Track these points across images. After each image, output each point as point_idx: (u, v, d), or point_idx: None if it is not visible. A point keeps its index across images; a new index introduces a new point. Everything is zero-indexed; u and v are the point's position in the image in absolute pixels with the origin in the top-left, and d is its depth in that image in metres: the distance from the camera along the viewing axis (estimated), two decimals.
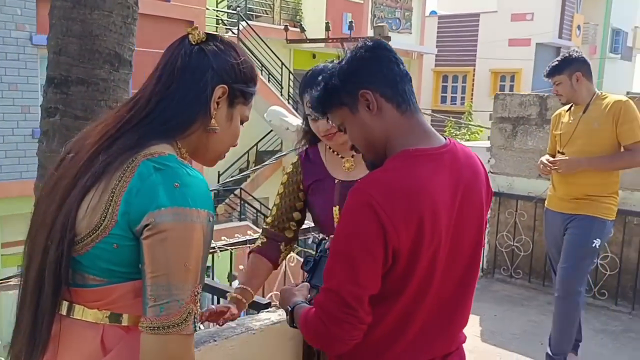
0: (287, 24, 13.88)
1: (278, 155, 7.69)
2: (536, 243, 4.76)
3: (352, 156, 1.92)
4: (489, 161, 5.07)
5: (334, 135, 1.85)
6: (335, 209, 1.89)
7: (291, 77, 14.11)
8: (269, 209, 14.24)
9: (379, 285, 1.25)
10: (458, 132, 18.26)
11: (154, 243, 0.99)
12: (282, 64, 13.61)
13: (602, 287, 4.37)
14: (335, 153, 1.96)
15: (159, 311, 0.98)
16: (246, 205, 13.68)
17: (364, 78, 1.34)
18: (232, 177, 14.33)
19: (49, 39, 2.02)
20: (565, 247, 3.21)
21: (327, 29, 7.18)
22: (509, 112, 4.93)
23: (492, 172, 5.05)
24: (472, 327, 3.99)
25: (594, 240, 3.13)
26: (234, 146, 1.29)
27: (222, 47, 1.21)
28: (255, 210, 13.83)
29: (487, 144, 5.25)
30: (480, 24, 23.24)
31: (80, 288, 1.07)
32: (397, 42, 17.31)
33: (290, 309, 1.46)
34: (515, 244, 4.90)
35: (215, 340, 1.82)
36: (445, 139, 1.39)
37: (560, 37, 22.89)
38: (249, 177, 13.50)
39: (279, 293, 1.95)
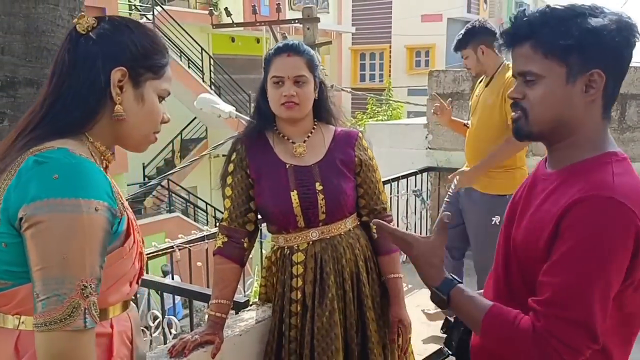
0: (204, 8, 13.51)
1: (211, 148, 7.51)
2: None
3: (304, 141, 1.89)
4: (426, 137, 5.19)
5: (294, 106, 1.81)
6: (293, 195, 1.82)
7: (211, 62, 13.78)
8: (198, 197, 13.97)
9: None
10: (380, 109, 18.58)
11: (30, 236, 0.96)
12: (202, 49, 13.26)
13: None
14: (286, 138, 1.90)
15: (42, 307, 0.94)
16: (174, 196, 13.33)
17: (610, 58, 1.13)
18: (157, 167, 13.91)
19: None
20: None
21: (254, 12, 7.08)
22: (444, 89, 5.04)
23: (430, 148, 5.18)
24: (427, 302, 4.10)
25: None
26: (165, 122, 1.22)
27: (111, 27, 1.14)
28: (184, 201, 13.53)
29: (424, 120, 5.36)
30: (393, 0, 23.64)
31: None
32: None
33: (443, 291, 1.21)
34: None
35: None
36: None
37: (469, 11, 23.74)
38: (174, 166, 13.13)
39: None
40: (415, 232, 5.01)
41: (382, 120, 15.72)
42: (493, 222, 3.18)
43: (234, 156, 1.90)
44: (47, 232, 0.94)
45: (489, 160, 3.17)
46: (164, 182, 13.14)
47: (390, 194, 4.73)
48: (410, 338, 1.99)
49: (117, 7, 11.65)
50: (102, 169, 1.08)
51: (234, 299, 1.91)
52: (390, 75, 23.01)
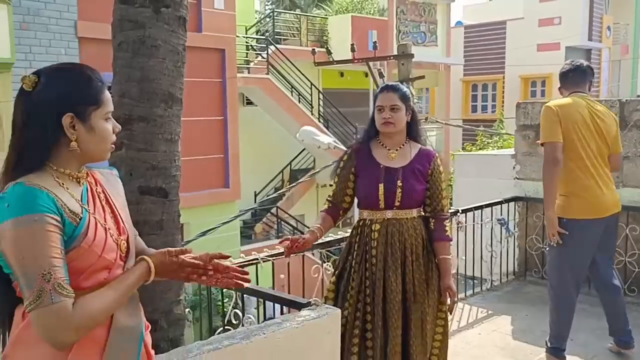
0: (315, 46, 14.32)
1: (311, 173, 8.00)
2: None
3: (397, 150, 2.66)
4: (514, 167, 5.28)
5: (390, 124, 2.60)
6: (381, 186, 2.58)
7: (320, 96, 14.50)
8: (305, 226, 14.58)
9: None
10: (490, 141, 18.28)
11: (2, 249, 1.32)
12: (312, 84, 14.02)
13: (631, 283, 4.51)
14: (384, 146, 2.67)
15: (25, 296, 1.29)
16: (283, 223, 14.03)
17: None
18: (267, 196, 14.75)
19: (112, 84, 2.37)
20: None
21: (353, 50, 7.52)
22: (531, 120, 5.13)
23: (517, 178, 5.26)
24: (504, 327, 4.19)
25: None
26: (117, 133, 1.51)
27: (48, 80, 1.38)
28: (291, 228, 14.17)
29: (512, 151, 5.45)
30: (507, 31, 23.28)
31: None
32: (424, 54, 17.56)
33: None
34: (544, 246, 5.06)
35: (264, 334, 2.12)
36: None
37: (590, 39, 22.75)
38: (284, 195, 13.86)
39: (318, 299, 2.39)
40: (499, 260, 5.10)
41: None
42: (550, 244, 3.40)
43: (345, 157, 2.73)
44: (8, 244, 1.29)
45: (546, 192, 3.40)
46: (273, 210, 13.91)
47: (474, 222, 4.89)
48: (455, 302, 2.67)
49: (235, 47, 12.74)
50: (72, 185, 1.42)
51: (296, 299, 2.28)
52: (503, 106, 22.54)
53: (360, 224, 2.69)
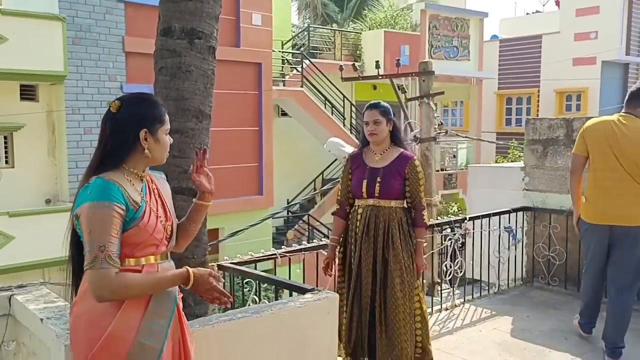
0: (345, 61, 14.81)
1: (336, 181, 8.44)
2: (570, 252, 5.21)
3: (381, 154, 3.37)
4: (523, 179, 5.60)
5: (374, 135, 3.33)
6: (364, 182, 3.32)
7: (353, 108, 14.94)
8: None
9: None
10: (522, 154, 18.38)
11: (80, 223, 1.81)
12: (344, 96, 14.49)
13: None
14: (372, 151, 3.40)
15: (86, 258, 1.78)
16: (314, 230, 14.47)
17: None
18: (300, 204, 15.22)
19: None
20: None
21: (377, 67, 7.98)
22: (539, 135, 5.46)
23: (526, 189, 5.58)
24: (504, 326, 4.51)
25: None
26: (171, 144, 2.03)
27: (129, 105, 1.91)
28: (322, 236, 14.59)
29: (522, 164, 5.77)
30: (542, 45, 23.30)
31: None
32: (456, 69, 17.85)
33: None
34: (550, 254, 5.36)
35: (272, 310, 2.56)
36: None
37: (627, 53, 22.57)
38: (315, 204, 14.31)
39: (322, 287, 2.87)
40: (507, 266, 5.42)
41: None
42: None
43: (345, 163, 3.53)
44: (84, 219, 1.78)
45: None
46: (305, 217, 14.37)
47: (481, 229, 5.23)
48: (422, 274, 3.61)
49: (272, 62, 13.34)
50: (137, 182, 1.92)
51: (301, 286, 2.72)
52: None
53: (352, 210, 3.46)
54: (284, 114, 15.25)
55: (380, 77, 7.81)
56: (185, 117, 2.80)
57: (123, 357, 1.83)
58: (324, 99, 14.52)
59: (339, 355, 3.30)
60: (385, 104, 3.44)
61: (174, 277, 1.92)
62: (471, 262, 5.13)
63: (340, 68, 8.39)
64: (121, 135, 1.90)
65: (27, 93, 10.40)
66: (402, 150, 3.39)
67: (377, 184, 3.29)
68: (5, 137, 10.29)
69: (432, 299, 5.12)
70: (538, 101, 23.39)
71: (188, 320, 2.31)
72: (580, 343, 4.11)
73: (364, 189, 3.32)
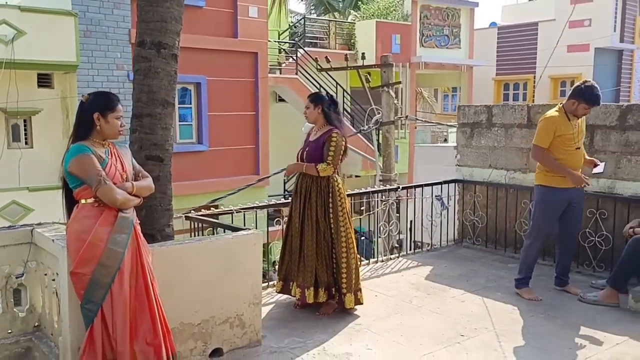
0: (343, 48, 15.80)
1: None
2: (489, 217, 6.28)
3: (316, 132, 4.50)
4: (456, 157, 6.65)
5: (306, 117, 4.54)
6: (301, 150, 4.51)
7: (346, 95, 15.96)
8: None
9: None
10: None
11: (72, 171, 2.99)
12: (337, 83, 15.53)
13: None
14: (313, 129, 4.54)
15: (93, 186, 2.94)
16: None
17: None
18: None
19: (132, 94, 3.97)
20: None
21: (363, 57, 9.01)
22: (467, 119, 6.50)
23: (458, 165, 6.63)
24: (423, 272, 5.61)
25: None
26: (122, 128, 3.13)
27: (93, 98, 3.07)
28: None
29: (455, 143, 6.83)
30: (538, 32, 24.04)
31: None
32: (447, 57, 18.75)
33: None
34: (475, 218, 6.43)
35: (210, 240, 3.68)
36: None
37: (622, 40, 23.25)
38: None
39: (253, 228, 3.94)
40: (438, 229, 6.51)
41: None
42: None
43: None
44: (75, 167, 2.93)
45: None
46: None
47: (414, 197, 6.32)
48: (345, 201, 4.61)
49: (268, 51, 14.40)
50: (100, 148, 3.04)
51: (238, 227, 3.86)
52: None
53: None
54: (282, 99, 16.32)
55: (349, 69, 8.85)
56: (154, 105, 3.89)
57: (98, 257, 2.96)
58: (318, 86, 15.56)
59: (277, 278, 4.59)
60: (319, 93, 4.70)
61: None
62: (409, 226, 6.21)
63: (316, 60, 9.42)
64: (85, 116, 3.04)
65: (44, 81, 11.61)
66: (331, 127, 4.41)
67: (305, 152, 4.45)
68: (25, 121, 11.52)
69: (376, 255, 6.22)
70: (534, 87, 24.19)
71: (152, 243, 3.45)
72: (476, 284, 5.20)
73: (298, 156, 4.52)
